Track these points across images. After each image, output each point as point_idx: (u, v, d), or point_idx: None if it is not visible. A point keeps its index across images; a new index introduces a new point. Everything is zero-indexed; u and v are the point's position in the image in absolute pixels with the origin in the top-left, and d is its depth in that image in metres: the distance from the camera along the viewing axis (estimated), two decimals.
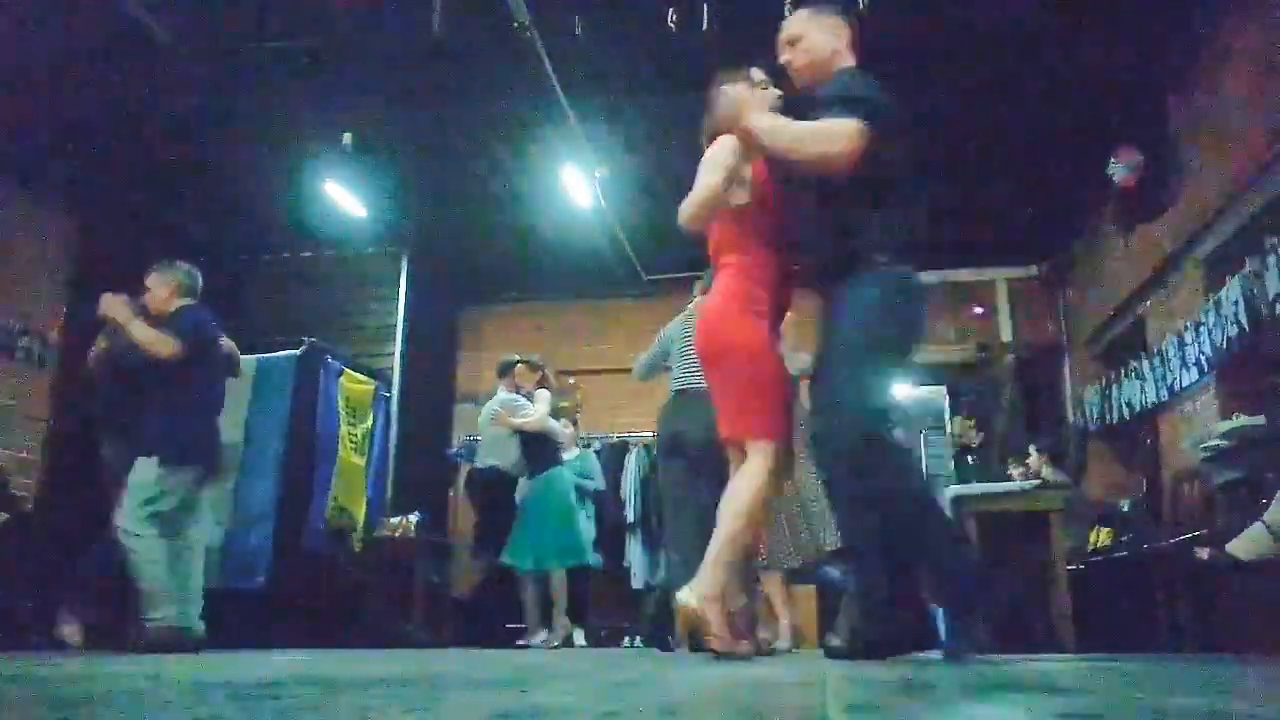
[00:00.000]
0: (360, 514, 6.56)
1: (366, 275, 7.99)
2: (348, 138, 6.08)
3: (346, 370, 6.63)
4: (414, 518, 6.56)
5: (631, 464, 7.62)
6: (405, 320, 7.78)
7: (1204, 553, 4.14)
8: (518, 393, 5.81)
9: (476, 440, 8.29)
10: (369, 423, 6.85)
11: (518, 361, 5.96)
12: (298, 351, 6.11)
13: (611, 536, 6.98)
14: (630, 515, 7.43)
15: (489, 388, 8.63)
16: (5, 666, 2.35)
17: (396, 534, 6.47)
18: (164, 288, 4.26)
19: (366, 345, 7.64)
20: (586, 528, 5.86)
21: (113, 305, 4.13)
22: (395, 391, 7.43)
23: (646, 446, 7.33)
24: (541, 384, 5.83)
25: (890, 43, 5.18)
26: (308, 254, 7.97)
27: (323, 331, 6.85)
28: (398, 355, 7.64)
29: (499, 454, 5.77)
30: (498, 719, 0.98)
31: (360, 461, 6.68)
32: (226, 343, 4.42)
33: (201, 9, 4.97)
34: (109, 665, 2.44)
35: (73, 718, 1.02)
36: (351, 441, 6.56)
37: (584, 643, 5.66)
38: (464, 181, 6.89)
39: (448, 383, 8.80)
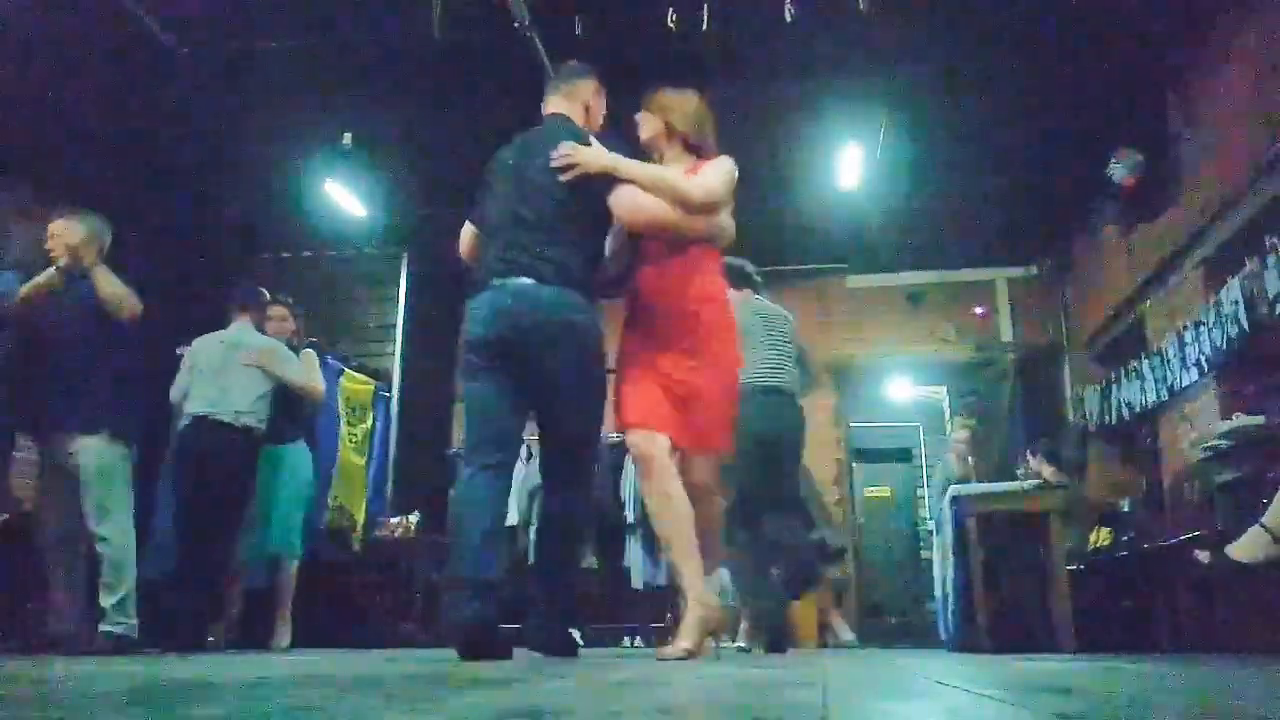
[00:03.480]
0: (360, 514, 6.55)
1: (366, 275, 7.98)
2: (348, 138, 6.08)
3: (346, 370, 6.63)
4: (414, 518, 6.55)
5: (631, 464, 7.62)
6: (405, 320, 7.77)
7: (1204, 556, 4.14)
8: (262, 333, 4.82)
9: None
10: (369, 423, 6.85)
11: (277, 300, 4.93)
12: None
13: (611, 536, 6.97)
14: (630, 515, 7.43)
15: None
16: (5, 666, 2.35)
17: (396, 534, 6.47)
18: (88, 242, 3.79)
19: (366, 345, 7.64)
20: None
21: (81, 240, 3.72)
22: (395, 391, 7.43)
23: None
24: (299, 338, 4.98)
25: (890, 43, 5.21)
26: (308, 254, 7.96)
27: (323, 331, 6.85)
28: (398, 355, 7.64)
29: (239, 402, 4.44)
30: (498, 719, 0.98)
31: (360, 461, 6.68)
32: None
33: (202, 9, 4.97)
34: (109, 665, 2.44)
35: (75, 717, 1.02)
36: (351, 441, 6.56)
37: (581, 643, 5.62)
38: (464, 181, 6.87)
39: (448, 383, 8.80)
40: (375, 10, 5.00)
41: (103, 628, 3.63)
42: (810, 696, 1.32)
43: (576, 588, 2.95)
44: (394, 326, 7.75)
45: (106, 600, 3.64)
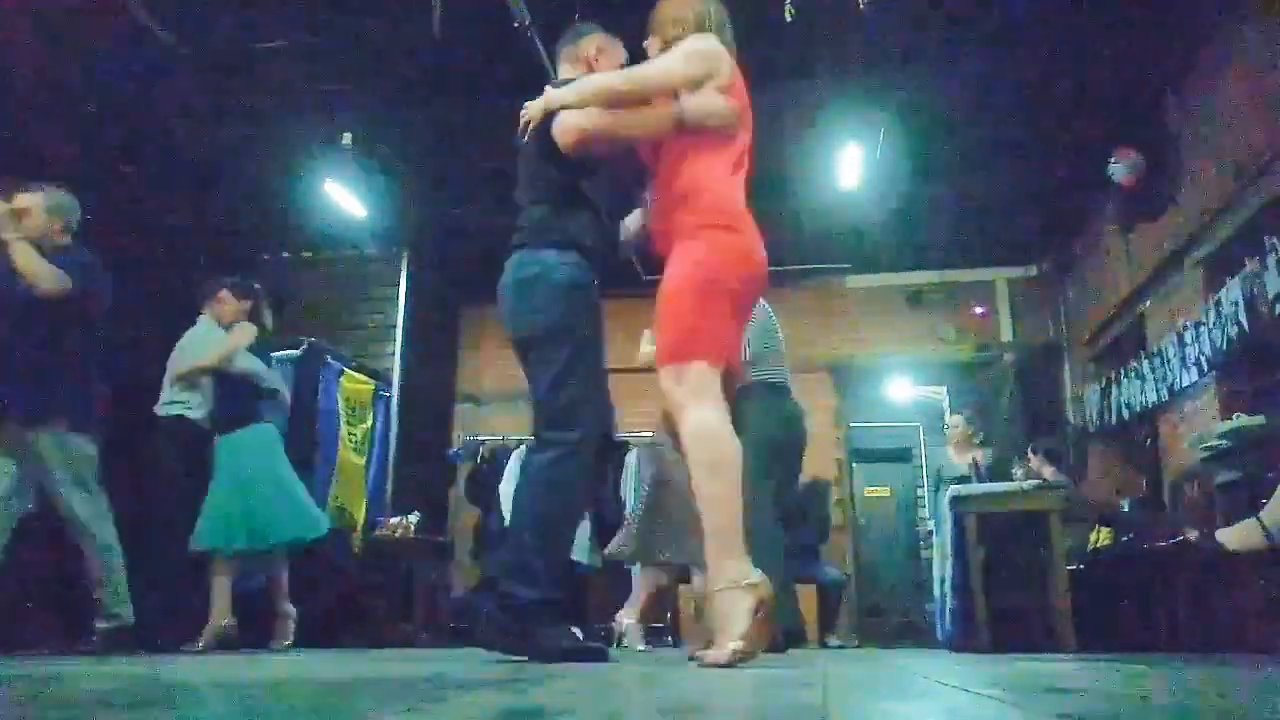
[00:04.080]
0: (360, 514, 6.56)
1: (366, 275, 7.98)
2: (348, 138, 6.08)
3: (346, 370, 6.63)
4: (414, 518, 6.55)
5: (632, 463, 7.61)
6: (405, 320, 7.77)
7: (1193, 534, 4.16)
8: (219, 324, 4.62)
9: (478, 440, 8.37)
10: (369, 423, 6.85)
11: (226, 284, 4.67)
12: (298, 352, 6.10)
13: (612, 535, 6.97)
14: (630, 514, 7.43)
15: (489, 387, 8.68)
16: (7, 667, 2.35)
17: (396, 534, 6.47)
18: (51, 216, 3.67)
19: (366, 345, 7.64)
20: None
21: (32, 211, 3.57)
22: (395, 391, 7.43)
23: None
24: (253, 319, 4.61)
25: (890, 42, 5.21)
26: (308, 254, 7.97)
27: (323, 331, 6.85)
28: (398, 355, 7.64)
29: (167, 394, 4.50)
30: (498, 719, 0.98)
31: (360, 461, 6.68)
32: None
33: (202, 9, 4.97)
34: (108, 666, 2.44)
35: (73, 718, 1.02)
36: (351, 441, 6.56)
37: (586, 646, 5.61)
38: (464, 181, 6.89)
39: (448, 383, 8.80)
40: (375, 10, 5.00)
41: (99, 625, 3.55)
42: (810, 696, 1.32)
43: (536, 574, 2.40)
44: (394, 326, 7.75)
45: (100, 592, 3.57)
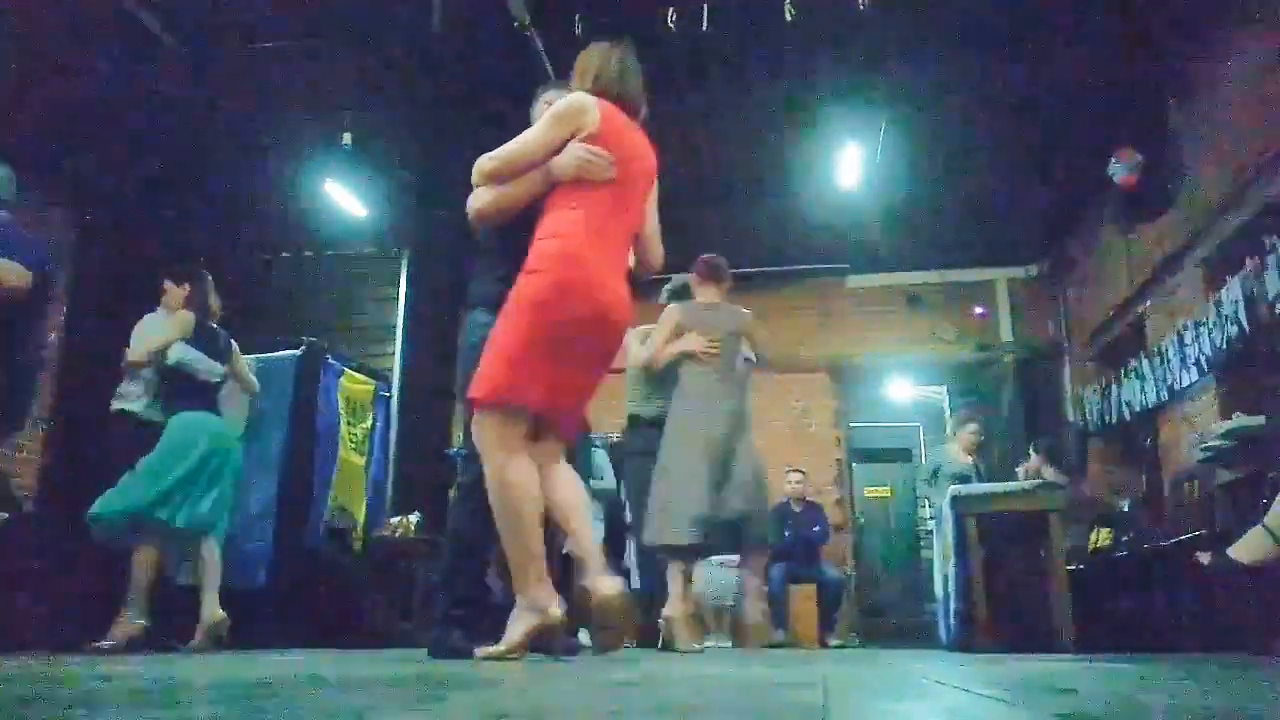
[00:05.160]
0: (360, 514, 6.55)
1: (366, 275, 7.98)
2: (348, 138, 6.08)
3: (346, 370, 6.63)
4: (414, 518, 6.55)
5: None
6: (405, 320, 7.78)
7: (1205, 558, 4.14)
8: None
9: None
10: (369, 423, 6.85)
11: (168, 272, 4.51)
12: (298, 352, 6.10)
13: (612, 537, 6.96)
14: (629, 516, 7.41)
15: None
16: (6, 666, 2.35)
17: (396, 534, 6.46)
18: None
19: (366, 345, 7.64)
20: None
21: None
22: (395, 391, 7.43)
23: None
24: (194, 300, 4.38)
25: (891, 43, 5.21)
26: (308, 254, 7.97)
27: (323, 331, 6.84)
28: (398, 355, 7.64)
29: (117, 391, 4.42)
30: (498, 719, 0.98)
31: (360, 461, 6.67)
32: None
33: (202, 8, 4.97)
34: (108, 665, 2.44)
35: (73, 718, 1.02)
36: (351, 441, 6.55)
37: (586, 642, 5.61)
38: (464, 181, 6.88)
39: (448, 383, 8.78)
40: (375, 10, 5.00)
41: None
42: (810, 696, 1.32)
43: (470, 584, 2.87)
44: (394, 326, 7.75)
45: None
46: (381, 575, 6.32)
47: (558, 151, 2.52)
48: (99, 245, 6.25)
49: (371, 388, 6.92)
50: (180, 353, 4.21)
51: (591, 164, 2.48)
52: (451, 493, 3.14)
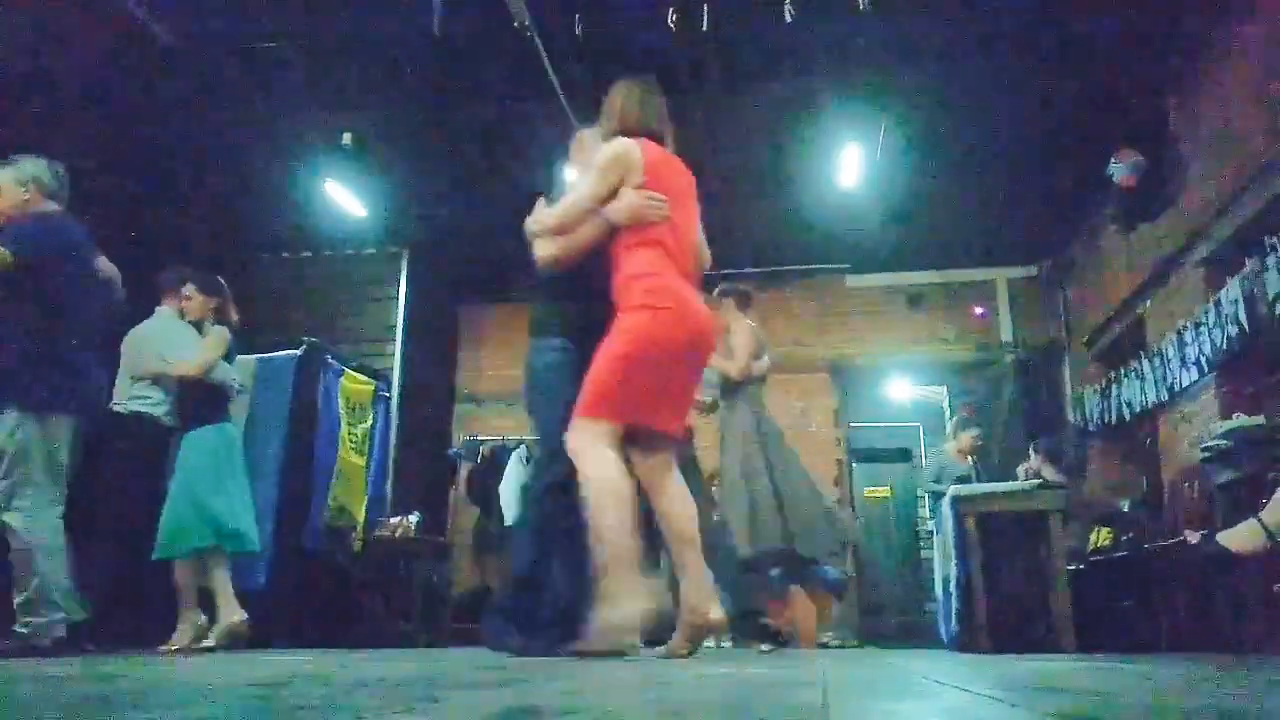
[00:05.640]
0: (360, 514, 6.56)
1: (366, 275, 7.99)
2: (348, 138, 6.08)
3: (346, 370, 6.63)
4: (414, 518, 6.55)
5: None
6: (405, 320, 7.78)
7: (1194, 537, 4.16)
8: (182, 319, 4.45)
9: (478, 440, 8.36)
10: (369, 423, 6.85)
11: (190, 277, 4.48)
12: (298, 352, 6.11)
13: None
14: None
15: (489, 387, 8.68)
16: (3, 667, 2.35)
17: (396, 534, 6.47)
18: (18, 187, 3.51)
19: (366, 345, 7.64)
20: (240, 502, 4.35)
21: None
22: (395, 391, 7.43)
23: None
24: (220, 316, 4.42)
25: (892, 43, 5.21)
26: (308, 254, 7.97)
27: (323, 331, 6.85)
28: (398, 355, 7.64)
29: (128, 389, 4.37)
30: (498, 719, 0.98)
31: (360, 461, 6.68)
32: (103, 264, 3.69)
33: (202, 9, 4.97)
34: (108, 665, 2.44)
35: (73, 718, 1.02)
36: (351, 441, 6.56)
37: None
38: (464, 181, 6.90)
39: (448, 383, 8.80)
40: (375, 10, 5.00)
41: (15, 628, 3.26)
42: (810, 696, 1.32)
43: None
44: (394, 326, 7.76)
45: (16, 597, 3.25)
46: (381, 575, 6.32)
47: (610, 198, 2.76)
48: (98, 246, 6.24)
49: (371, 388, 6.93)
50: (225, 372, 4.33)
51: (648, 210, 2.72)
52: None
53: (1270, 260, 4.35)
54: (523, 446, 7.82)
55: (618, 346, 2.63)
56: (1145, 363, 5.91)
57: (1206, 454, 4.75)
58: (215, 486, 4.13)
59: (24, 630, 3.22)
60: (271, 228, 7.60)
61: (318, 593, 5.83)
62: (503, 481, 7.61)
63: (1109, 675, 1.97)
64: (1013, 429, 7.49)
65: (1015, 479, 5.30)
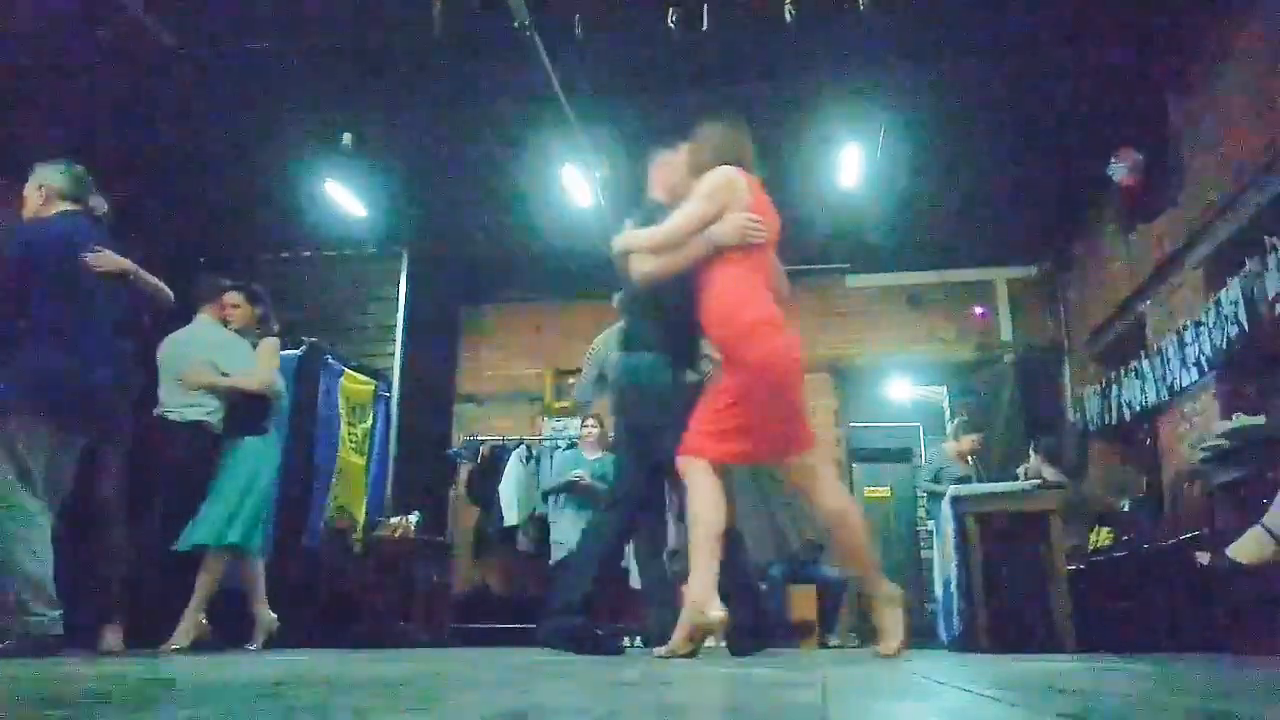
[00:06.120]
0: (360, 514, 6.56)
1: (366, 275, 7.98)
2: (348, 138, 6.08)
3: (346, 370, 6.63)
4: (414, 518, 6.55)
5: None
6: (405, 320, 7.78)
7: (1204, 557, 4.14)
8: (226, 327, 4.48)
9: (478, 440, 8.36)
10: (369, 423, 6.85)
11: (233, 286, 4.52)
12: (298, 352, 6.11)
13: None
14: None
15: (489, 387, 8.68)
16: (5, 667, 2.35)
17: (396, 534, 6.47)
18: (33, 192, 3.55)
19: (366, 345, 7.64)
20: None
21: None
22: (395, 391, 7.43)
23: None
24: (264, 327, 4.49)
25: (890, 43, 5.21)
26: (308, 254, 7.97)
27: (323, 331, 6.85)
28: (398, 355, 7.64)
29: (185, 398, 4.33)
30: (498, 719, 0.98)
31: (360, 461, 6.68)
32: (103, 260, 3.58)
33: (203, 9, 4.97)
34: (108, 665, 2.44)
35: (73, 717, 1.02)
36: (351, 441, 6.56)
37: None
38: (464, 181, 6.90)
39: (448, 383, 8.80)
40: (375, 10, 5.00)
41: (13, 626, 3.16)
42: (810, 696, 1.32)
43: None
44: (394, 326, 7.76)
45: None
46: (381, 575, 6.32)
47: (711, 222, 2.93)
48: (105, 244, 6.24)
49: (371, 388, 6.93)
50: (281, 384, 4.49)
51: (752, 231, 2.93)
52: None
53: (1270, 260, 4.36)
54: (523, 446, 7.82)
55: (728, 383, 2.89)
56: (1145, 363, 5.92)
57: (1206, 454, 4.75)
58: (249, 491, 4.23)
59: (34, 618, 3.16)
60: (272, 228, 7.60)
61: (318, 593, 5.84)
62: (503, 481, 7.61)
63: (1109, 675, 1.97)
64: (1013, 429, 7.49)
65: (1015, 479, 5.30)
